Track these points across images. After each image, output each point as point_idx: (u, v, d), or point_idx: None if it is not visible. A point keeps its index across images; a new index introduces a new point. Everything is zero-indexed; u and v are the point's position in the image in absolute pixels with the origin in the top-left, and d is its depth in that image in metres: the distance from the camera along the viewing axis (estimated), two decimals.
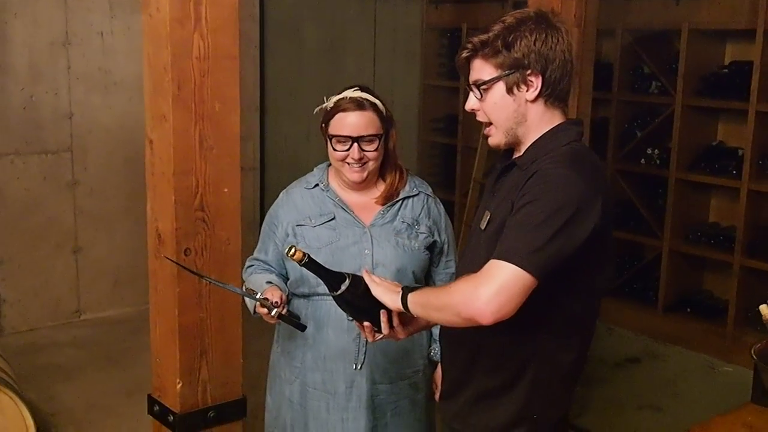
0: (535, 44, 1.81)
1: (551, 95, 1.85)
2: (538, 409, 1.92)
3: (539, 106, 1.86)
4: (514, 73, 1.83)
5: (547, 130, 1.87)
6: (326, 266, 1.96)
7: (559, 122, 1.89)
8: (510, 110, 1.86)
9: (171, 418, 2.42)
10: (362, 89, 2.34)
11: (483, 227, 1.93)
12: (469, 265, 1.95)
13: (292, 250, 1.91)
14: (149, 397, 2.53)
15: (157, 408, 2.49)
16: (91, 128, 5.27)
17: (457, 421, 2.05)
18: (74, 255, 5.33)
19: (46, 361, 4.72)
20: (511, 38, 1.81)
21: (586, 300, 1.89)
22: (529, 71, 1.82)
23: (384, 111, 2.33)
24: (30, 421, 3.02)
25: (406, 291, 1.87)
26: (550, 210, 1.70)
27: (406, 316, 2.00)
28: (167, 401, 2.46)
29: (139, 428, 3.83)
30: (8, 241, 5.05)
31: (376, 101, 2.32)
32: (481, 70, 1.86)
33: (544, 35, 1.82)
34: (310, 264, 1.94)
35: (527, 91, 1.84)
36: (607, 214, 1.79)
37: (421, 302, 1.84)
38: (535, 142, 1.87)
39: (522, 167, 1.85)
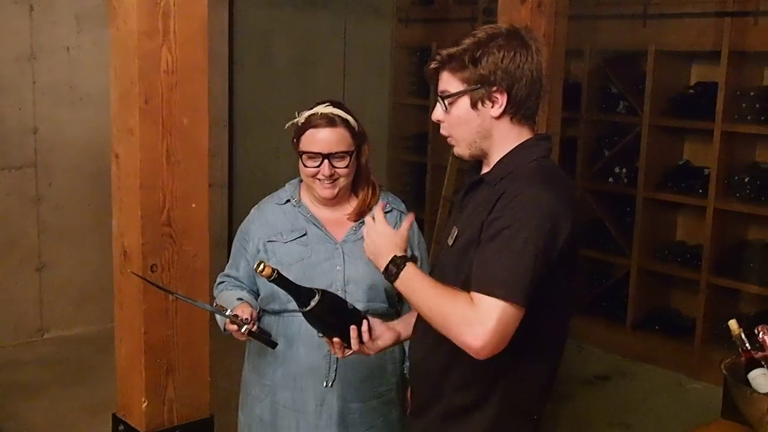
0: (502, 62, 1.80)
1: (517, 113, 1.84)
2: (508, 427, 1.90)
3: (504, 123, 1.84)
4: (479, 89, 1.81)
5: (515, 145, 1.86)
6: (296, 282, 1.94)
7: (527, 138, 1.88)
8: (474, 125, 1.84)
9: None
10: (334, 105, 2.31)
11: (450, 243, 1.91)
12: (437, 280, 1.95)
13: (261, 266, 1.89)
14: (114, 416, 2.49)
15: (122, 427, 2.45)
16: (57, 143, 5.19)
17: None
18: (38, 272, 5.23)
19: (9, 379, 4.62)
20: (478, 54, 1.80)
21: (556, 317, 1.87)
22: (494, 88, 1.81)
23: (356, 127, 2.31)
24: None
25: (401, 263, 1.82)
26: (526, 234, 1.69)
27: (375, 332, 1.98)
28: (132, 420, 2.42)
29: None
30: None
31: (348, 117, 2.30)
32: (448, 82, 1.86)
33: (512, 53, 1.80)
34: (280, 280, 1.91)
35: (492, 107, 1.82)
36: (577, 229, 1.79)
37: (414, 288, 1.80)
38: (502, 158, 1.86)
39: (490, 184, 1.84)
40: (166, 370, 2.39)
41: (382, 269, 1.85)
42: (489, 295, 1.68)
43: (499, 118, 1.83)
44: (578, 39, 5.04)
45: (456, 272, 1.82)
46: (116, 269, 2.43)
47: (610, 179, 5.68)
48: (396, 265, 1.82)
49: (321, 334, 2.11)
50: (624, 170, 5.61)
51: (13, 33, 4.96)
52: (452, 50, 1.84)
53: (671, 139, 5.45)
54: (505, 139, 1.85)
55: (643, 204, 5.40)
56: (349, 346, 1.93)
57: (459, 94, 1.83)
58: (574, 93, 5.54)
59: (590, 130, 5.76)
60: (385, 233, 1.88)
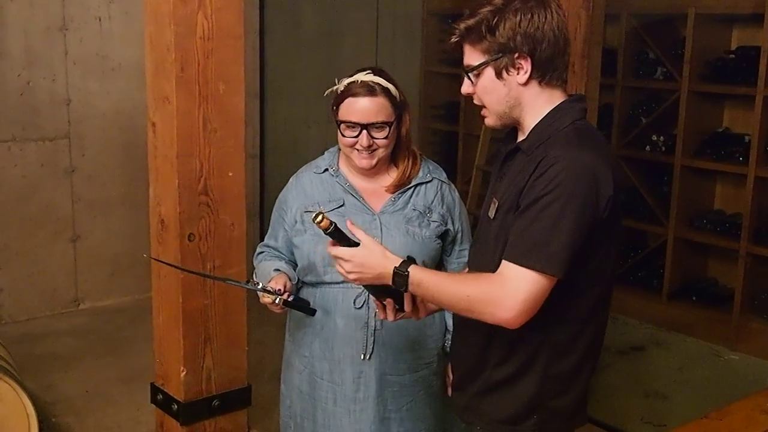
0: (519, 26, 1.75)
1: (544, 76, 1.79)
2: (551, 397, 1.88)
3: (533, 88, 1.80)
4: (501, 58, 1.77)
5: (549, 110, 1.81)
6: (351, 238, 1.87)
7: (560, 101, 1.83)
8: (501, 94, 1.81)
9: (175, 406, 2.38)
10: (375, 72, 2.24)
11: (492, 216, 1.87)
12: (479, 254, 1.93)
13: (320, 217, 1.80)
14: (152, 385, 2.49)
15: (160, 396, 2.45)
16: (89, 114, 5.19)
17: (468, 414, 2.00)
18: (72, 243, 5.26)
19: (44, 350, 4.66)
20: (495, 21, 1.76)
21: (600, 281, 1.83)
22: (516, 54, 1.76)
23: (397, 96, 2.25)
24: (31, 409, 2.97)
25: (404, 268, 1.77)
26: (564, 201, 1.66)
27: None
28: (171, 389, 2.42)
29: (140, 416, 3.80)
30: (5, 228, 4.99)
31: (389, 86, 2.23)
32: (470, 55, 1.82)
33: (530, 15, 1.75)
34: (335, 233, 1.84)
35: (517, 74, 1.78)
36: (619, 191, 1.75)
37: (428, 284, 1.76)
38: (537, 124, 1.82)
39: (527, 152, 1.80)
40: (203, 340, 2.38)
41: (391, 283, 1.78)
42: (523, 266, 1.66)
43: (526, 84, 1.79)
44: (614, 3, 4.93)
45: (498, 245, 1.78)
46: (153, 238, 2.41)
47: (647, 147, 5.58)
48: (402, 276, 1.77)
49: (373, 299, 2.07)
50: (661, 138, 5.51)
51: (45, 4, 4.94)
52: (469, 22, 1.80)
53: (710, 105, 5.33)
54: (536, 104, 1.81)
55: (680, 172, 5.30)
56: (401, 309, 1.90)
57: (482, 66, 1.80)
58: (610, 59, 5.41)
59: (627, 96, 5.65)
60: (361, 254, 1.80)
